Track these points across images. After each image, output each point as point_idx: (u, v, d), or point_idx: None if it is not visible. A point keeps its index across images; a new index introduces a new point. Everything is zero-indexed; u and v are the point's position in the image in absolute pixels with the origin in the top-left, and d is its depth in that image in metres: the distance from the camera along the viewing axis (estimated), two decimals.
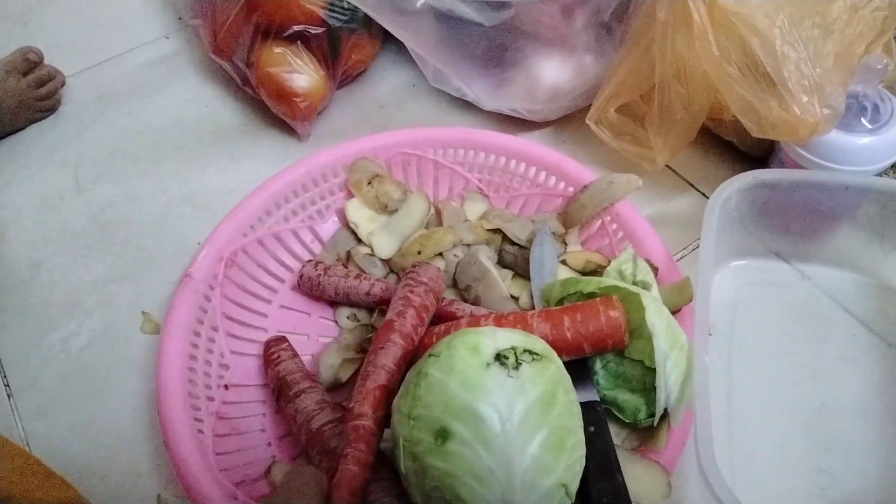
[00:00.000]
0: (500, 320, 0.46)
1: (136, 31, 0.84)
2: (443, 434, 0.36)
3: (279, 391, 0.49)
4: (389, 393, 0.43)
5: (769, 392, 0.53)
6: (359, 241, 0.60)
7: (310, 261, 0.58)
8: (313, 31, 0.66)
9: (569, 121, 0.69)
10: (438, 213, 0.61)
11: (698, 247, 0.51)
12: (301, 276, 0.57)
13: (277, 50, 0.66)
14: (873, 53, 0.56)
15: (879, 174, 0.57)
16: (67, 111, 0.76)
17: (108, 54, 0.81)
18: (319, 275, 0.56)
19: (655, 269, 0.51)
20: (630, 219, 0.55)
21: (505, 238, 0.57)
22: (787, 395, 0.53)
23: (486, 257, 0.55)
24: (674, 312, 0.48)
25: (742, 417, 0.51)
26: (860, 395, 0.52)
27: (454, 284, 0.56)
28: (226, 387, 0.52)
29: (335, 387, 0.52)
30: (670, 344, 0.43)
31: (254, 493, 0.45)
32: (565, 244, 0.57)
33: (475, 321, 0.47)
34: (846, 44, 0.54)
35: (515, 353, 0.38)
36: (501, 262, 0.57)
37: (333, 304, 0.57)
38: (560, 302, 0.48)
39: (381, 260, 0.58)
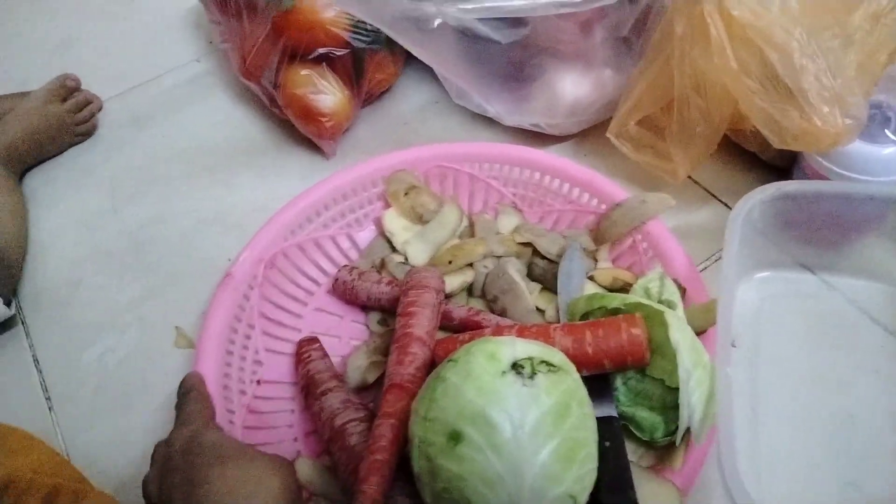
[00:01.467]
0: (522, 331, 0.47)
1: (168, 55, 0.87)
2: (455, 437, 0.37)
3: (307, 389, 0.52)
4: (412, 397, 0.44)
5: (795, 404, 0.52)
6: (394, 249, 0.61)
7: (345, 266, 0.60)
8: (338, 53, 0.68)
9: (589, 134, 0.70)
10: (472, 224, 0.62)
11: (721, 258, 0.51)
12: (336, 280, 0.59)
13: (303, 72, 0.68)
14: (891, 67, 0.56)
15: None
16: (104, 134, 0.79)
17: (143, 78, 0.84)
18: (353, 279, 0.58)
19: (683, 290, 0.51)
20: (660, 238, 0.55)
21: (535, 252, 0.58)
22: (814, 406, 0.52)
23: (515, 270, 0.56)
24: (699, 333, 0.47)
25: (767, 430, 0.51)
26: (889, 406, 0.51)
27: (482, 295, 0.57)
28: (258, 382, 0.54)
29: (362, 388, 0.53)
30: (694, 362, 0.43)
31: None
32: (596, 260, 0.57)
33: (498, 331, 0.48)
34: (868, 53, 0.54)
35: (532, 363, 0.39)
36: (531, 276, 0.58)
37: (366, 308, 0.59)
38: (585, 316, 0.49)
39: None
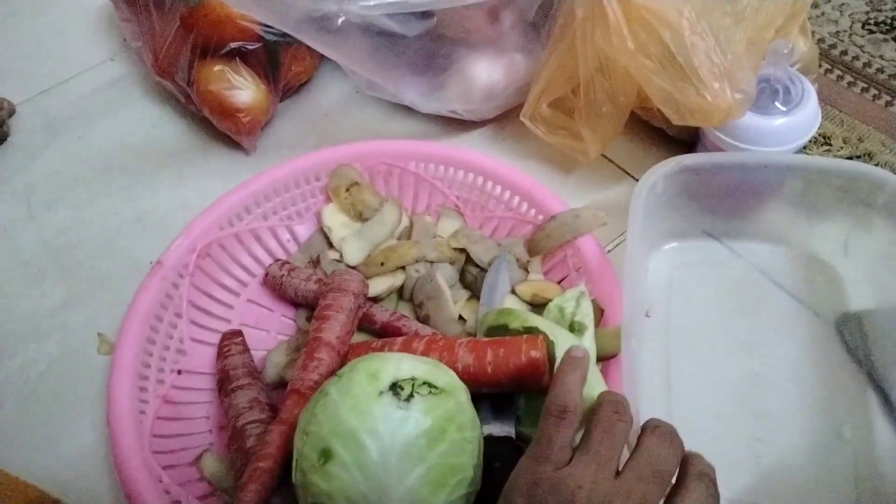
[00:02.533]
0: (431, 344, 0.47)
1: (82, 55, 0.84)
2: (326, 454, 0.38)
3: (221, 384, 0.52)
4: None
5: (706, 368, 0.55)
6: (331, 245, 0.61)
7: (278, 260, 0.60)
8: (251, 47, 0.67)
9: (507, 118, 0.71)
10: (412, 225, 0.62)
11: None
12: (266, 274, 0.59)
13: (216, 68, 0.67)
14: (780, 38, 0.59)
15: (799, 152, 0.59)
16: (17, 140, 0.76)
17: (55, 80, 0.82)
18: (283, 275, 0.58)
19: (601, 312, 0.51)
20: (589, 255, 0.55)
21: (469, 259, 0.58)
22: (724, 369, 0.55)
23: (444, 277, 0.57)
24: (608, 357, 0.48)
25: (681, 395, 0.54)
26: (792, 365, 0.55)
27: (410, 299, 0.58)
28: (178, 372, 0.54)
29: (279, 385, 0.53)
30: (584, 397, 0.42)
31: (182, 479, 0.48)
32: (528, 272, 0.58)
33: (410, 340, 0.48)
34: (757, 29, 0.57)
35: (413, 385, 0.39)
36: (463, 282, 0.59)
37: (296, 304, 0.59)
38: (491, 331, 0.49)
39: (349, 267, 0.59)
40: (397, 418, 0.38)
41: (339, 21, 0.52)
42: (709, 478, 0.35)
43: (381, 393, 0.39)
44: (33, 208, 0.70)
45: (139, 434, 0.48)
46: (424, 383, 0.40)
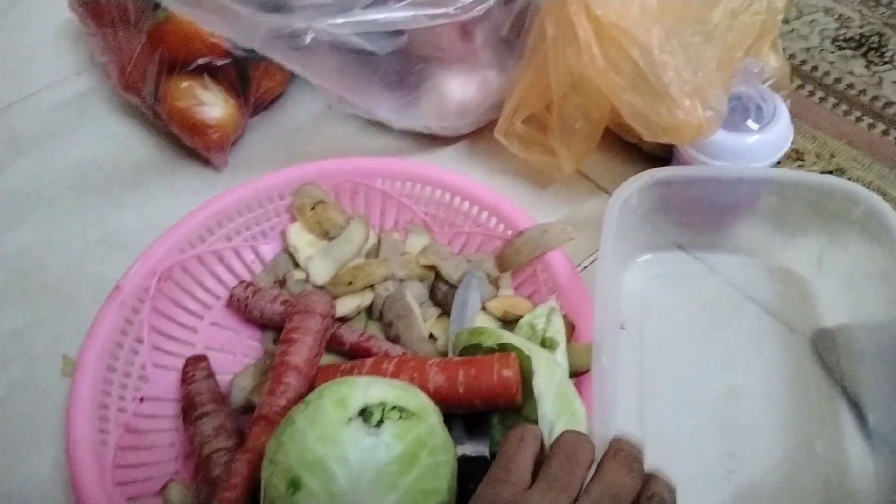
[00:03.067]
0: (401, 365, 0.46)
1: (46, 69, 0.83)
2: (295, 484, 0.37)
3: (185, 411, 0.51)
4: None
5: (680, 381, 0.55)
6: (297, 265, 0.60)
7: (242, 282, 0.59)
8: (219, 63, 0.66)
9: (481, 134, 0.71)
10: (379, 243, 0.61)
11: None
12: (231, 296, 0.58)
13: (184, 84, 0.66)
14: (756, 56, 0.59)
15: (771, 167, 0.59)
16: None
17: (18, 95, 0.80)
18: (248, 297, 0.57)
19: (572, 327, 0.50)
20: (558, 270, 0.55)
21: (439, 275, 0.58)
22: (698, 382, 0.55)
23: (413, 295, 0.56)
24: (583, 373, 0.48)
25: (655, 408, 0.53)
26: (766, 380, 0.55)
27: (379, 318, 0.57)
28: (141, 399, 0.52)
29: (247, 410, 0.52)
30: (559, 411, 0.43)
31: None
32: (498, 287, 0.57)
33: (379, 362, 0.47)
34: (727, 48, 0.57)
35: (383, 410, 0.39)
36: (433, 299, 0.58)
37: (262, 326, 0.58)
38: (464, 350, 0.48)
39: (316, 287, 0.58)
40: (367, 445, 0.37)
41: (308, 38, 0.51)
42: (664, 501, 0.34)
43: (350, 420, 0.38)
44: None
45: (101, 465, 0.47)
46: (394, 408, 0.39)
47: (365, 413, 0.38)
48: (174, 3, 0.49)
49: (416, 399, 0.41)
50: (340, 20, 0.51)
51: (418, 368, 0.45)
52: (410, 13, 0.52)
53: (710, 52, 0.55)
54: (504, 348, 0.46)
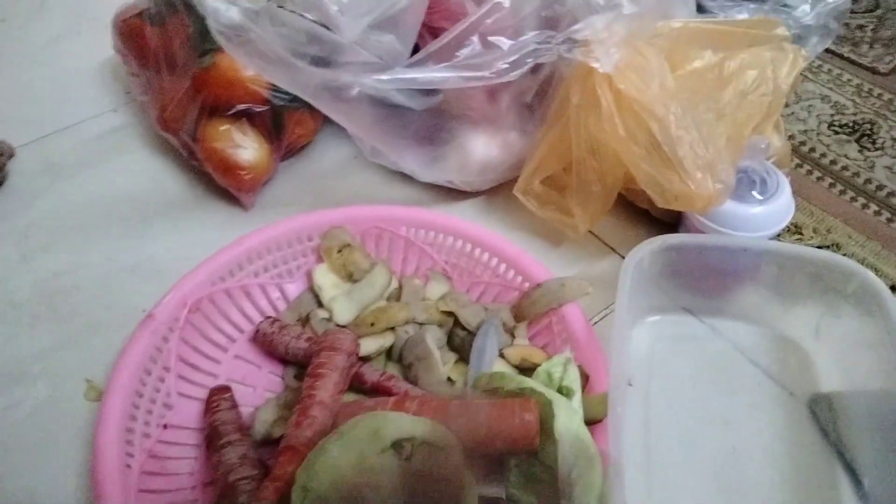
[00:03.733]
0: (423, 405, 0.48)
1: (84, 104, 0.87)
2: None
3: (210, 439, 0.52)
4: None
5: (684, 440, 0.57)
6: (321, 304, 0.63)
7: (268, 317, 0.61)
8: (258, 110, 0.70)
9: (499, 190, 0.75)
10: (401, 287, 0.64)
11: None
12: (257, 331, 0.60)
13: (223, 127, 0.70)
14: (758, 135, 0.64)
15: (773, 239, 0.63)
16: (16, 183, 0.77)
17: (57, 126, 0.84)
18: (274, 332, 0.59)
19: (586, 377, 0.53)
20: (574, 323, 0.57)
21: (457, 322, 0.60)
22: (701, 442, 0.57)
23: (433, 339, 0.58)
24: (595, 422, 0.50)
25: (660, 464, 0.55)
26: (766, 441, 0.57)
27: (399, 360, 0.59)
28: (165, 426, 0.54)
29: (267, 442, 0.54)
30: (576, 454, 0.45)
31: None
32: (513, 336, 0.60)
33: (402, 400, 0.49)
34: (737, 126, 0.62)
35: (413, 444, 0.41)
36: (450, 345, 0.60)
37: (284, 361, 0.60)
38: (484, 394, 0.50)
39: (338, 326, 0.60)
40: (399, 476, 0.39)
41: (354, 91, 0.55)
42: None
43: (383, 450, 0.40)
44: (27, 251, 0.70)
45: (125, 488, 0.48)
46: (424, 443, 0.41)
47: (397, 445, 0.40)
48: (239, 53, 0.53)
49: (444, 436, 0.43)
50: (385, 77, 0.55)
51: (440, 408, 0.47)
52: (450, 74, 0.56)
53: (721, 129, 0.60)
54: (525, 393, 0.48)
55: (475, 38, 0.58)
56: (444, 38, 0.58)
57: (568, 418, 0.46)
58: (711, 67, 0.63)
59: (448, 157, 0.70)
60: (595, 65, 0.56)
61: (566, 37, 0.57)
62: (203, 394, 0.57)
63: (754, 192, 0.61)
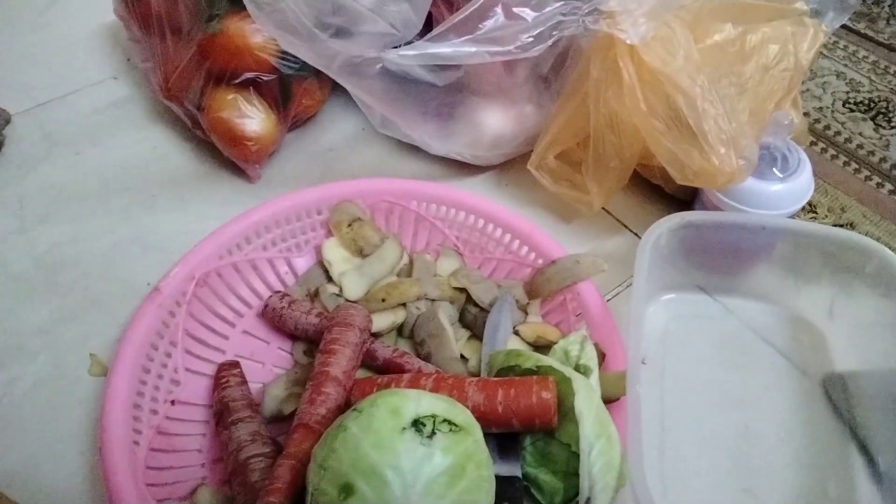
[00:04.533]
0: (439, 382, 0.47)
1: (83, 71, 0.84)
2: (347, 489, 0.38)
3: (219, 416, 0.51)
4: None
5: (699, 419, 0.57)
6: (330, 279, 0.61)
7: (277, 292, 0.60)
8: (265, 78, 0.68)
9: (511, 165, 0.73)
10: (412, 263, 0.63)
11: (631, 284, 0.55)
12: (266, 306, 0.59)
13: (229, 95, 0.68)
14: (781, 110, 0.62)
15: (790, 217, 0.62)
16: (12, 151, 0.75)
17: (55, 94, 0.81)
18: (283, 307, 0.58)
19: (602, 355, 0.52)
20: (589, 301, 0.56)
21: (469, 298, 0.59)
22: (715, 421, 0.57)
23: (446, 315, 0.57)
24: (612, 401, 0.49)
25: (673, 442, 0.55)
26: (780, 421, 0.57)
27: (411, 336, 0.58)
28: (172, 402, 0.53)
29: (277, 419, 0.53)
30: (597, 433, 0.44)
31: None
32: (526, 314, 0.59)
33: (416, 378, 0.48)
34: (759, 101, 0.60)
35: (434, 422, 0.40)
36: (462, 322, 0.59)
37: (293, 337, 0.59)
38: (501, 372, 0.50)
39: (348, 301, 0.59)
40: (420, 455, 0.38)
41: (377, 67, 0.53)
42: None
43: (404, 429, 0.39)
44: (26, 221, 0.69)
45: (133, 465, 0.47)
46: (445, 420, 0.40)
47: (418, 424, 0.40)
48: (267, 25, 0.51)
49: (463, 414, 0.42)
50: (410, 52, 0.53)
51: (457, 385, 0.47)
52: (474, 49, 0.54)
53: (743, 104, 0.59)
54: (542, 371, 0.47)
55: (499, 10, 0.55)
56: (467, 10, 0.55)
57: (588, 397, 0.45)
58: (733, 41, 0.61)
59: (461, 131, 0.68)
60: (622, 36, 0.54)
61: (593, 7, 0.55)
62: (211, 370, 0.56)
63: (775, 170, 0.60)
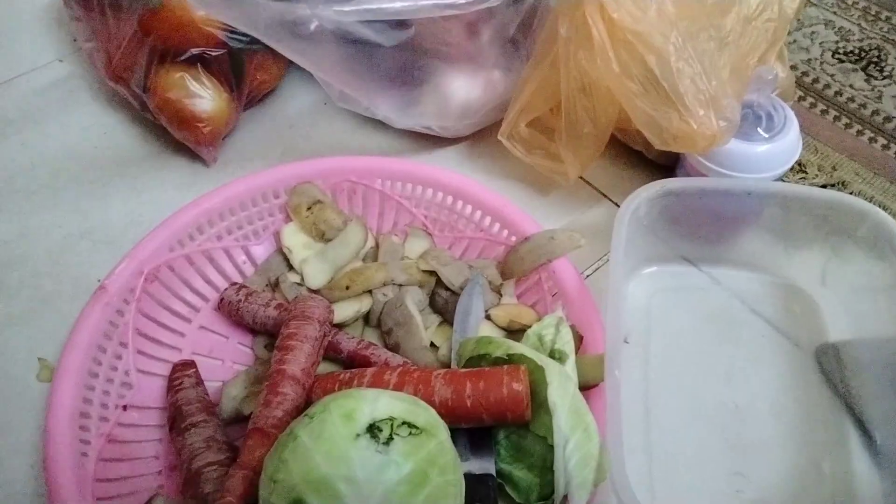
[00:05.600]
0: (404, 376, 0.44)
1: (27, 53, 0.79)
2: None
3: (172, 421, 0.48)
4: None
5: (685, 397, 0.54)
6: (291, 267, 0.58)
7: (234, 284, 0.56)
8: (213, 54, 0.63)
9: (483, 136, 0.69)
10: (378, 246, 0.59)
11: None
12: (222, 300, 0.55)
13: (176, 74, 0.63)
14: (765, 65, 0.58)
15: (778, 179, 0.59)
16: None
17: None
18: (240, 300, 0.54)
19: (580, 338, 0.49)
20: (565, 279, 0.53)
21: (439, 281, 0.56)
22: (703, 398, 0.54)
23: (414, 301, 0.53)
24: (590, 387, 0.46)
25: (660, 424, 0.52)
26: (771, 396, 0.54)
27: (378, 325, 0.54)
28: (124, 407, 0.50)
29: (237, 420, 0.50)
30: (573, 425, 0.41)
31: None
32: (500, 295, 0.55)
33: (381, 372, 0.45)
34: (741, 55, 0.56)
35: (392, 426, 0.37)
36: (433, 306, 0.56)
37: (253, 331, 0.56)
38: (471, 361, 0.46)
39: (311, 291, 0.56)
40: (376, 464, 0.35)
41: (312, 26, 0.49)
42: None
43: (358, 436, 0.36)
44: None
45: (80, 479, 0.44)
46: (404, 423, 0.37)
47: (373, 429, 0.36)
48: None
49: (426, 414, 0.39)
50: (346, 7, 0.48)
51: (423, 380, 0.44)
52: (419, 3, 0.49)
53: (724, 59, 0.54)
54: (514, 359, 0.44)
55: None
56: None
57: (562, 386, 0.42)
58: None
59: (425, 100, 0.64)
60: None
61: None
62: (166, 370, 0.52)
63: (760, 129, 0.56)
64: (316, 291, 0.55)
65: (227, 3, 0.47)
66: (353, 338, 0.52)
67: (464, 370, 0.45)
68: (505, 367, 0.44)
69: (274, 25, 0.49)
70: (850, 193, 0.66)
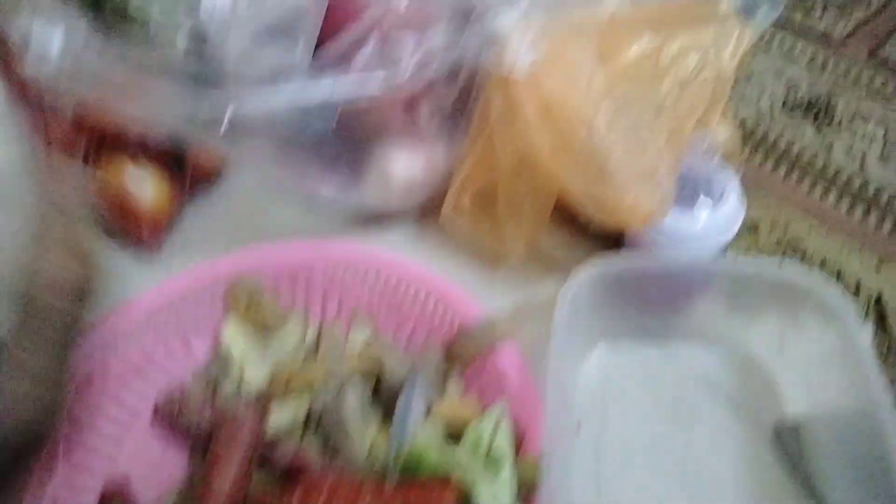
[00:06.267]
0: (332, 493, 0.42)
1: None
2: None
3: None
4: None
5: (641, 484, 0.51)
6: (230, 368, 0.55)
7: (167, 392, 0.54)
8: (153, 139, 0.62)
9: (432, 209, 0.67)
10: (320, 336, 0.57)
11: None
12: (155, 409, 0.53)
13: (114, 160, 0.62)
14: (707, 126, 0.57)
15: (727, 242, 0.57)
16: None
17: None
18: (175, 409, 0.52)
19: (521, 436, 0.47)
20: (508, 369, 0.51)
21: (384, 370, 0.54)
22: (660, 485, 0.51)
23: (354, 401, 0.51)
24: (531, 489, 0.44)
25: None
26: (731, 479, 0.51)
27: (319, 428, 0.52)
28: None
29: None
30: None
31: None
32: (446, 384, 0.53)
33: (309, 490, 0.43)
34: (678, 119, 0.55)
35: None
36: (377, 398, 0.53)
37: (191, 441, 0.53)
38: (403, 471, 0.44)
39: (250, 393, 0.53)
40: None
41: (223, 129, 0.47)
42: None
43: None
44: None
45: None
46: None
47: None
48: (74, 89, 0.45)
49: None
50: (270, 97, 0.47)
51: (350, 499, 0.42)
52: (340, 87, 0.48)
53: (661, 126, 0.53)
54: (446, 471, 0.42)
55: (373, 39, 0.50)
56: (343, 41, 0.50)
57: (493, 499, 0.40)
58: (649, 56, 0.56)
59: (367, 179, 0.63)
60: (506, 71, 0.49)
61: (474, 34, 0.49)
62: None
63: (701, 197, 0.55)
64: (255, 394, 0.53)
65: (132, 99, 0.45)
66: (289, 447, 0.49)
67: (392, 492, 0.43)
68: (436, 482, 0.42)
69: (186, 126, 0.47)
70: (805, 251, 0.65)
